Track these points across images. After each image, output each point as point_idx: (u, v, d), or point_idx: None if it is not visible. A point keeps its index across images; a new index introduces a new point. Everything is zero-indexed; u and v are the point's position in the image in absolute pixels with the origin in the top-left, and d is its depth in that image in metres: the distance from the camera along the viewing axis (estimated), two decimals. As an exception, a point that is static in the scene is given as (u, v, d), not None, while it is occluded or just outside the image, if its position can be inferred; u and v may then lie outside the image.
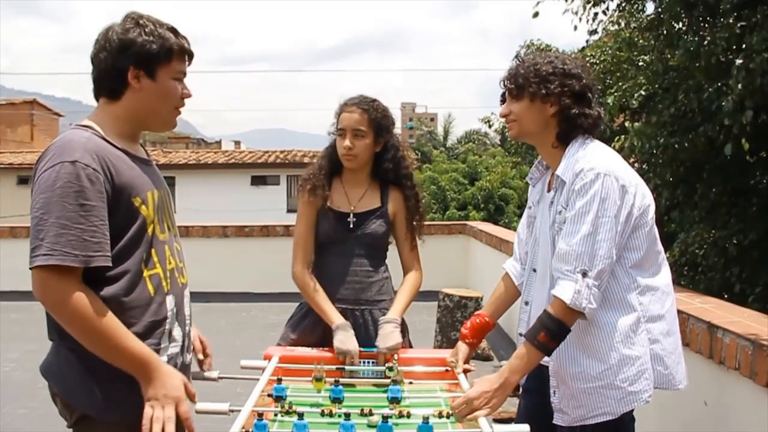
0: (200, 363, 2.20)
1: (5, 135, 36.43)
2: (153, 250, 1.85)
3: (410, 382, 2.37)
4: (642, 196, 2.08)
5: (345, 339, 2.54)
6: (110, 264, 1.72)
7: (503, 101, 2.27)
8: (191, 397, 1.83)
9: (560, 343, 2.05)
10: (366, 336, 2.62)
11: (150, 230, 1.84)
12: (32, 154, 29.20)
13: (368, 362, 2.55)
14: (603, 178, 1.99)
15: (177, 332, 1.93)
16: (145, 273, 1.82)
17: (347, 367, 2.48)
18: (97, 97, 1.89)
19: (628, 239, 2.06)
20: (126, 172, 1.80)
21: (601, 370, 2.06)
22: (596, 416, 2.07)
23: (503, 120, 2.34)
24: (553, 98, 2.11)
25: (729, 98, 4.66)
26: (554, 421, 2.17)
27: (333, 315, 2.62)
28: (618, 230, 2.01)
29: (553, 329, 2.01)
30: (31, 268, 1.65)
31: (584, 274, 1.98)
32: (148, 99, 1.86)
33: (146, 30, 1.82)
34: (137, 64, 1.82)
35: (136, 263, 1.79)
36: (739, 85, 4.54)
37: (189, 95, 1.95)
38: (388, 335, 2.56)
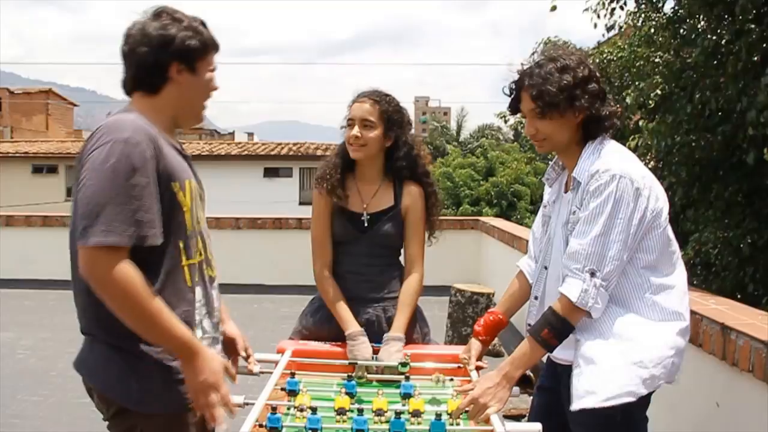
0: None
1: (21, 124, 36.72)
2: (188, 240, 1.85)
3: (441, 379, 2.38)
4: (656, 199, 2.07)
5: (357, 348, 2.55)
6: (160, 243, 1.72)
7: (513, 109, 2.25)
8: (232, 378, 1.87)
9: (561, 341, 2.05)
10: (379, 332, 2.63)
11: (186, 219, 1.84)
12: (47, 144, 29.38)
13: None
14: (618, 180, 1.99)
15: (207, 323, 1.93)
16: (183, 263, 1.83)
17: (360, 361, 2.49)
18: (130, 91, 1.90)
19: (641, 241, 2.06)
20: (170, 156, 1.80)
21: (631, 345, 2.03)
22: (622, 395, 2.00)
23: (519, 116, 2.31)
24: (582, 105, 2.08)
25: (754, 110, 4.66)
26: (574, 408, 2.05)
27: (348, 321, 2.61)
28: (630, 232, 2.00)
29: (557, 326, 2.02)
30: (83, 247, 1.63)
31: (592, 274, 1.99)
32: (188, 92, 1.89)
33: (184, 25, 1.85)
34: (180, 59, 1.84)
35: (172, 252, 1.79)
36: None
37: (216, 88, 1.97)
38: (391, 354, 2.54)
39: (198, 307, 1.90)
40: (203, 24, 1.92)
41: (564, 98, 2.07)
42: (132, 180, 1.66)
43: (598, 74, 2.15)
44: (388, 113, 2.67)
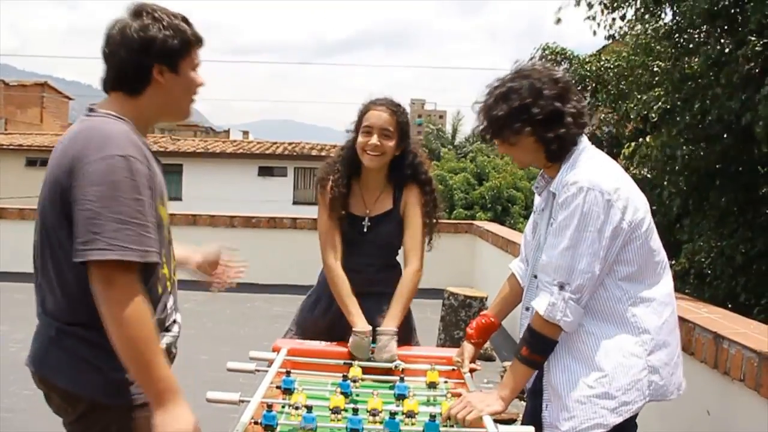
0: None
1: (15, 116, 36.48)
2: (163, 250, 1.81)
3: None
4: (634, 210, 2.02)
5: (358, 347, 2.58)
6: (159, 261, 1.70)
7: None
8: None
9: (545, 356, 2.06)
10: (372, 322, 2.66)
11: (164, 232, 1.82)
12: (42, 137, 29.20)
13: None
14: (586, 192, 1.96)
15: (175, 326, 1.91)
16: (161, 273, 1.80)
17: (355, 363, 2.50)
18: (109, 90, 1.84)
19: (620, 253, 2.02)
20: (156, 170, 1.78)
21: (596, 378, 2.03)
22: (588, 428, 2.02)
23: None
24: (526, 132, 2.07)
25: (761, 122, 4.73)
26: None
27: (356, 318, 2.65)
28: (603, 245, 1.97)
29: (531, 341, 2.04)
30: (82, 262, 1.60)
31: (561, 287, 1.98)
32: (172, 93, 1.83)
33: (164, 24, 1.78)
34: (161, 61, 1.78)
35: (155, 264, 1.75)
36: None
37: (202, 83, 1.90)
38: (383, 348, 2.58)
39: (168, 314, 1.87)
40: (185, 20, 1.84)
41: (498, 129, 2.10)
42: (133, 197, 1.63)
43: (552, 91, 2.07)
44: (402, 124, 2.73)
